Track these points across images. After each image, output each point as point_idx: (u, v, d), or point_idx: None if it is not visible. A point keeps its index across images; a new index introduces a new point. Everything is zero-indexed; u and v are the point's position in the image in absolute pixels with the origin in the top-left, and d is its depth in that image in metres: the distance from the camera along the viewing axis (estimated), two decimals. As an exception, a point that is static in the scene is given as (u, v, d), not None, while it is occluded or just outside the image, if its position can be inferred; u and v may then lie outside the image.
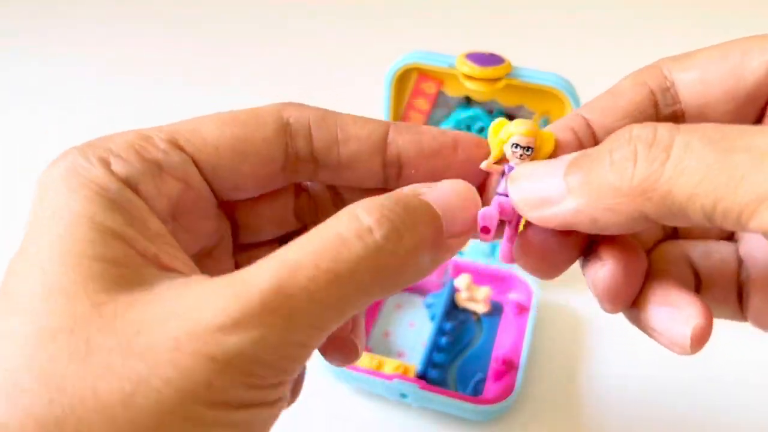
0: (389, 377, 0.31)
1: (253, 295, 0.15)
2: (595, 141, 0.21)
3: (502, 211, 0.20)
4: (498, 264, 0.37)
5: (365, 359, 0.32)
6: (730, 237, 0.23)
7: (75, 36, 0.67)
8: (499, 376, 0.32)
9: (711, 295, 0.23)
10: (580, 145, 0.21)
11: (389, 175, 0.21)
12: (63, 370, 0.15)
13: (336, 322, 0.17)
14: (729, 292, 0.23)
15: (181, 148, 0.19)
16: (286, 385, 0.17)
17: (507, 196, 0.20)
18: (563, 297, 0.37)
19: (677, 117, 0.21)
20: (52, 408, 0.15)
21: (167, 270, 0.17)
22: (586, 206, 0.18)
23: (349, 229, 0.17)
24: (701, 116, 0.21)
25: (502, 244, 0.21)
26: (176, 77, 0.60)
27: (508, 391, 0.30)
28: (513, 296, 0.36)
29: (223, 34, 0.68)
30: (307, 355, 0.17)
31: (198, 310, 0.15)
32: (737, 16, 0.73)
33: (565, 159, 0.19)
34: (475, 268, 0.37)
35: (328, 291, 0.16)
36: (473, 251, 0.37)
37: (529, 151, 0.20)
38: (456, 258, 0.37)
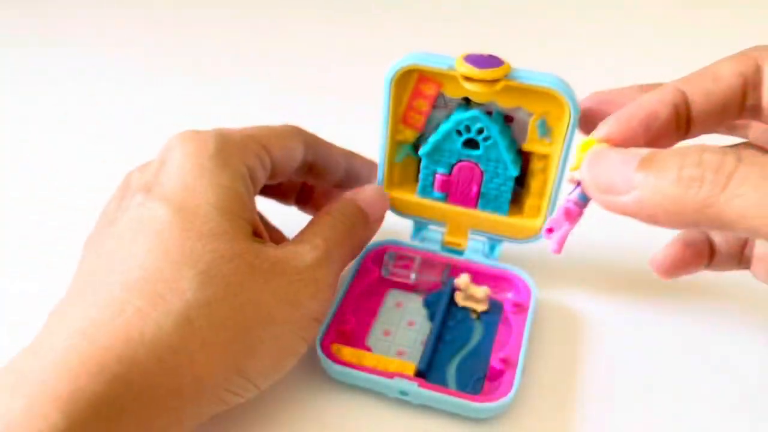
0: (390, 375, 0.31)
1: (320, 247, 0.29)
2: (689, 124, 0.25)
3: (567, 213, 0.26)
4: (497, 264, 0.37)
5: (366, 357, 0.32)
6: None
7: (75, 29, 0.68)
8: (497, 374, 0.32)
9: (761, 268, 0.30)
10: (677, 126, 0.25)
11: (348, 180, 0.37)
12: (246, 282, 0.25)
13: (342, 259, 0.31)
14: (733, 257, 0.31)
15: (269, 153, 0.31)
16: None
17: (575, 204, 0.26)
18: (562, 296, 0.38)
19: (756, 110, 0.25)
20: (239, 307, 0.25)
21: (256, 235, 0.28)
22: (648, 204, 0.21)
23: (342, 218, 0.32)
24: None
25: (559, 236, 0.27)
26: (177, 76, 0.61)
27: (506, 389, 0.31)
28: (511, 296, 0.36)
29: (222, 36, 0.68)
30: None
31: (301, 257, 0.28)
32: (732, 22, 0.73)
33: (638, 154, 0.22)
34: (475, 268, 0.37)
35: (337, 246, 0.30)
36: (472, 252, 0.38)
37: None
38: (455, 257, 0.38)
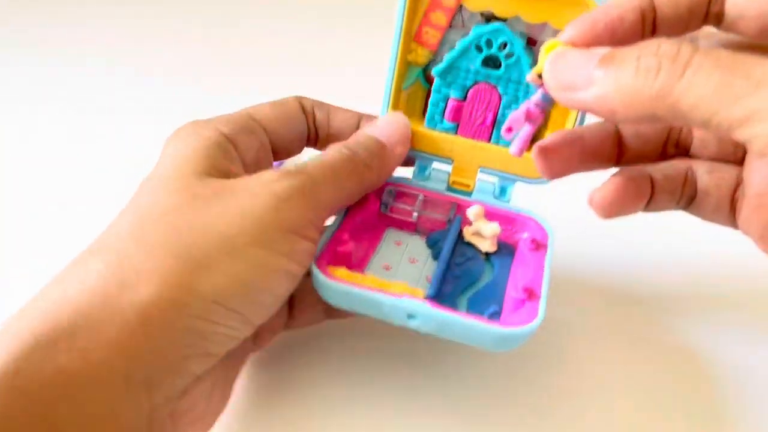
0: (398, 295, 0.26)
1: (292, 170, 0.27)
2: (654, 29, 0.25)
3: (528, 114, 0.26)
4: (509, 206, 0.34)
5: (366, 279, 0.28)
6: (740, 163, 0.28)
7: (76, 33, 0.66)
8: (519, 304, 0.28)
9: (707, 202, 0.28)
10: (642, 31, 0.24)
11: None
12: (184, 208, 0.25)
13: (335, 198, 0.28)
14: (722, 203, 0.28)
15: (258, 121, 0.30)
16: (316, 240, 0.27)
17: (536, 105, 0.25)
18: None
19: (719, 17, 0.25)
20: (175, 229, 0.24)
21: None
22: (607, 98, 0.21)
23: (338, 150, 0.29)
24: (732, 26, 0.25)
25: (520, 138, 0.26)
26: (182, 76, 0.59)
27: (530, 317, 0.27)
28: (527, 235, 0.32)
29: (217, 38, 0.67)
30: (323, 222, 0.28)
31: (258, 177, 0.26)
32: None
33: (598, 53, 0.22)
34: (485, 209, 0.33)
35: (332, 176, 0.28)
36: (481, 192, 0.34)
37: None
38: (462, 198, 0.34)
